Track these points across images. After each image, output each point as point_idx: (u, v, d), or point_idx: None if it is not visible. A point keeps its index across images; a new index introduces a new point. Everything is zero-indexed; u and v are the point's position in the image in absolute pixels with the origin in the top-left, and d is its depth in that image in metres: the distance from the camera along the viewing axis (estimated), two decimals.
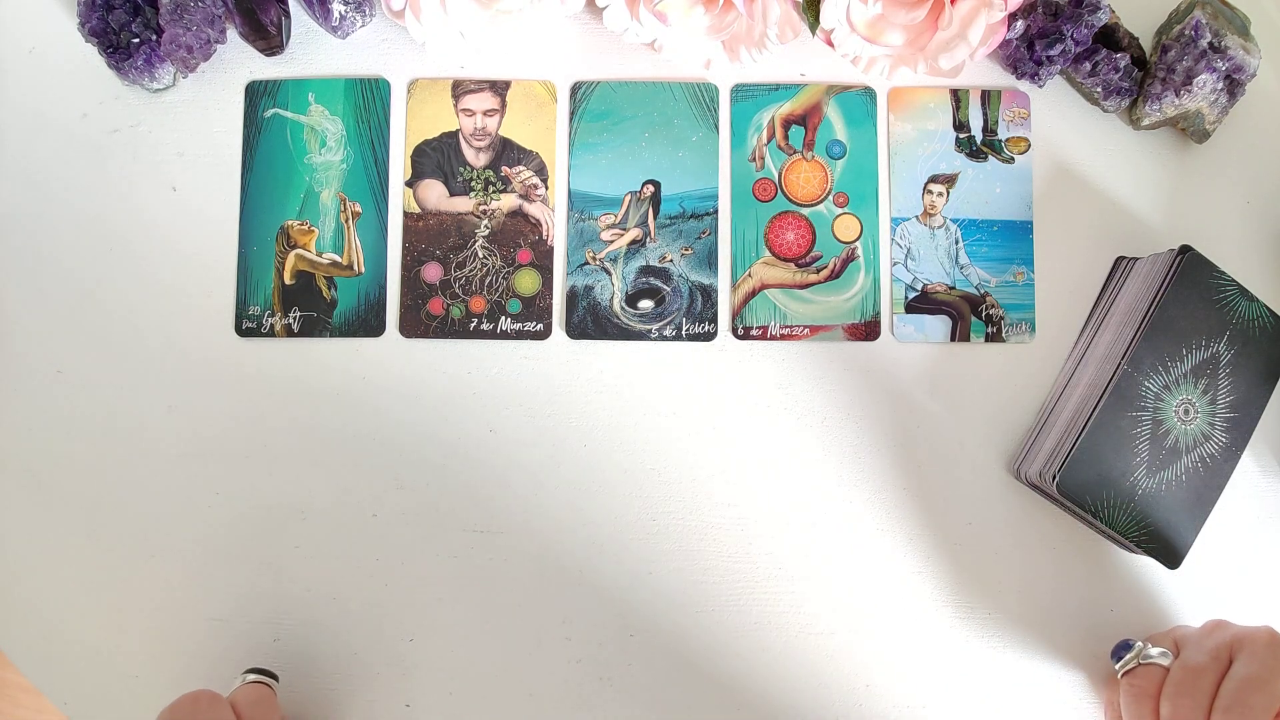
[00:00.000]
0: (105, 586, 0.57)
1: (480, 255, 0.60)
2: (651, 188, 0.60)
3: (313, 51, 0.61)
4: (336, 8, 0.59)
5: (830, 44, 0.58)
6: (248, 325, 0.59)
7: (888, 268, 0.60)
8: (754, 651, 0.58)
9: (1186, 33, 0.57)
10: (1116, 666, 0.53)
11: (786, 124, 0.61)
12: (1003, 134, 0.61)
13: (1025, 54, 0.59)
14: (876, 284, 0.60)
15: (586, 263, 0.60)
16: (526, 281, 0.60)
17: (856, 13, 0.56)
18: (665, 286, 0.60)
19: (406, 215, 0.60)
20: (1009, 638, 0.58)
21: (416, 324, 0.59)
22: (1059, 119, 0.62)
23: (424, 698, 0.57)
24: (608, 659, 0.58)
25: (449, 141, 0.61)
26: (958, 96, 0.61)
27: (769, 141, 0.61)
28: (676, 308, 0.60)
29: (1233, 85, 0.58)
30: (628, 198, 0.60)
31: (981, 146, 0.61)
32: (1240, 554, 0.59)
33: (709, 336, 0.59)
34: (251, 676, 0.53)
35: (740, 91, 0.61)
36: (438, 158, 0.61)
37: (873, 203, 0.61)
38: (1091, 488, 0.53)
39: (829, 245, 0.60)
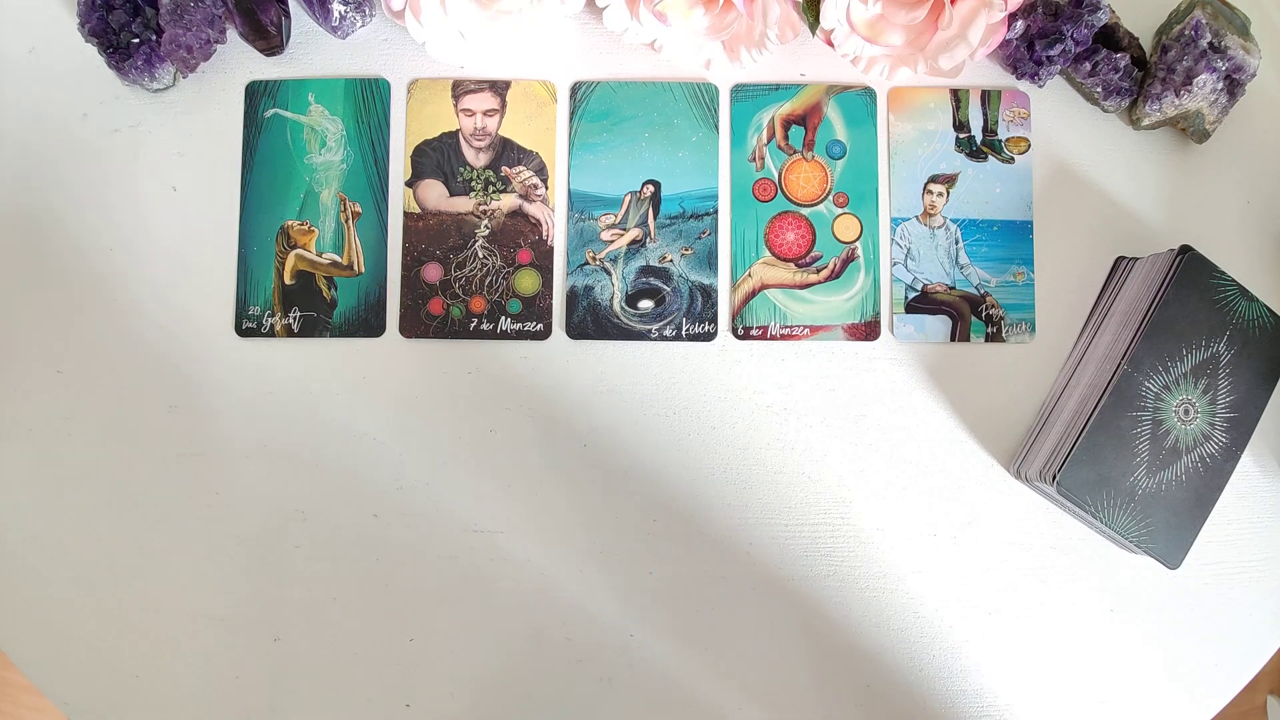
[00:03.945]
0: (105, 586, 0.57)
1: (480, 255, 0.60)
2: (651, 188, 0.60)
3: (313, 51, 0.61)
4: (336, 8, 0.59)
5: (830, 44, 0.58)
6: (248, 325, 0.59)
7: (888, 268, 0.60)
8: (754, 651, 0.58)
9: (1186, 33, 0.57)
10: None
11: (786, 124, 0.61)
12: (1003, 134, 0.61)
13: (1025, 54, 0.59)
14: (876, 284, 0.60)
15: (586, 263, 0.60)
16: (526, 281, 0.60)
17: (856, 13, 0.56)
18: (665, 286, 0.60)
19: (406, 215, 0.60)
20: (1009, 637, 0.58)
21: (416, 324, 0.59)
22: (1059, 119, 0.62)
23: (424, 698, 0.57)
24: (608, 659, 0.58)
25: (449, 141, 0.61)
26: (958, 96, 0.61)
27: (769, 141, 0.61)
28: (676, 308, 0.60)
29: (1233, 85, 0.58)
30: (628, 198, 0.60)
31: (981, 146, 0.61)
32: (1240, 554, 0.59)
33: (709, 336, 0.59)
34: None
35: (740, 91, 0.61)
36: (438, 158, 0.61)
37: (873, 203, 0.61)
38: (1091, 488, 0.53)
39: (829, 245, 0.60)
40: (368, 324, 0.59)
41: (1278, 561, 0.59)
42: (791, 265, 0.60)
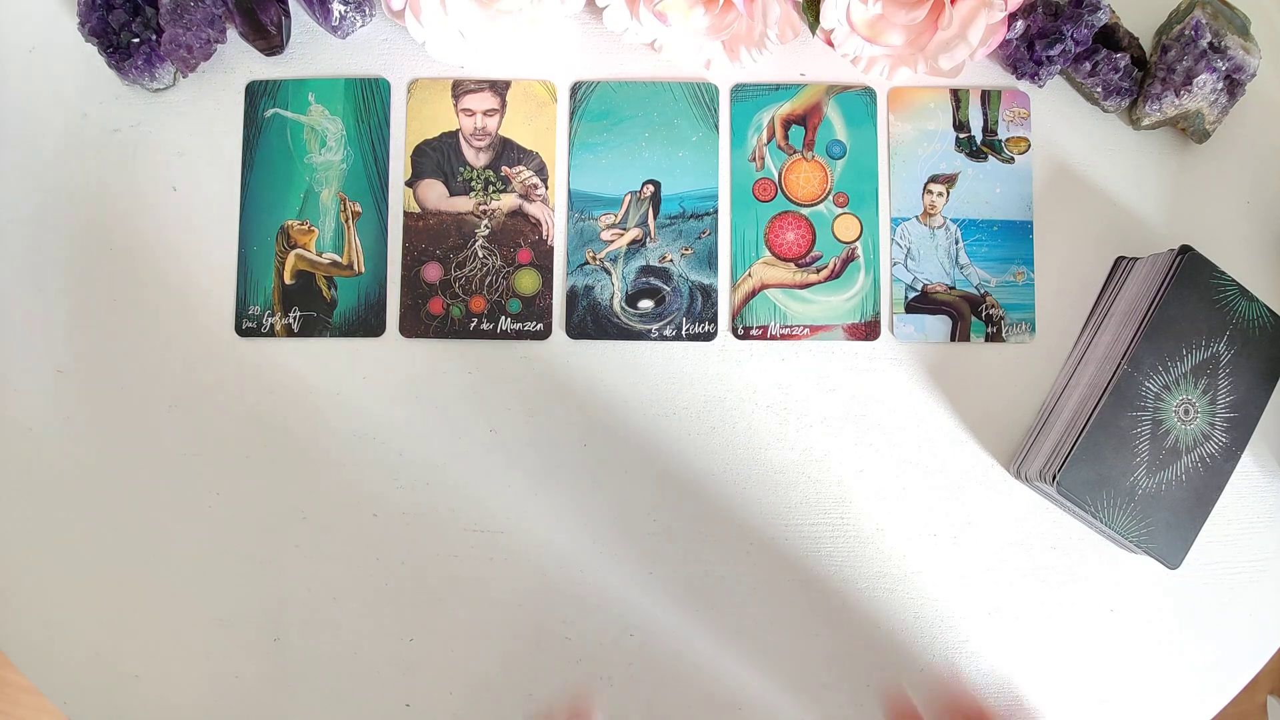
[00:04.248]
0: (105, 586, 0.57)
1: (480, 255, 0.60)
2: (651, 188, 0.60)
3: (313, 51, 0.61)
4: (336, 8, 0.59)
5: (830, 44, 0.58)
6: (248, 325, 0.59)
7: (888, 268, 0.60)
8: (754, 652, 0.58)
9: (1186, 33, 0.57)
10: None
11: (786, 124, 0.61)
12: (1003, 134, 0.61)
13: (1025, 54, 0.59)
14: (876, 284, 0.60)
15: (586, 263, 0.60)
16: (526, 281, 0.60)
17: (856, 13, 0.56)
18: (665, 286, 0.60)
19: (406, 215, 0.60)
20: (1009, 637, 0.58)
21: (416, 324, 0.59)
22: (1059, 119, 0.62)
23: (424, 698, 0.57)
24: (608, 658, 0.58)
25: (449, 141, 0.61)
26: (958, 96, 0.61)
27: (769, 141, 0.61)
28: (676, 308, 0.60)
29: (1233, 85, 0.58)
30: (628, 198, 0.60)
31: (981, 146, 0.61)
32: (1240, 554, 0.59)
33: (709, 336, 0.59)
34: None
35: (740, 91, 0.61)
36: (438, 158, 0.60)
37: (873, 203, 0.61)
38: (1091, 487, 0.53)
39: (829, 245, 0.60)
40: (368, 324, 0.59)
41: (1278, 561, 0.59)
42: (791, 265, 0.60)
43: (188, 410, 0.59)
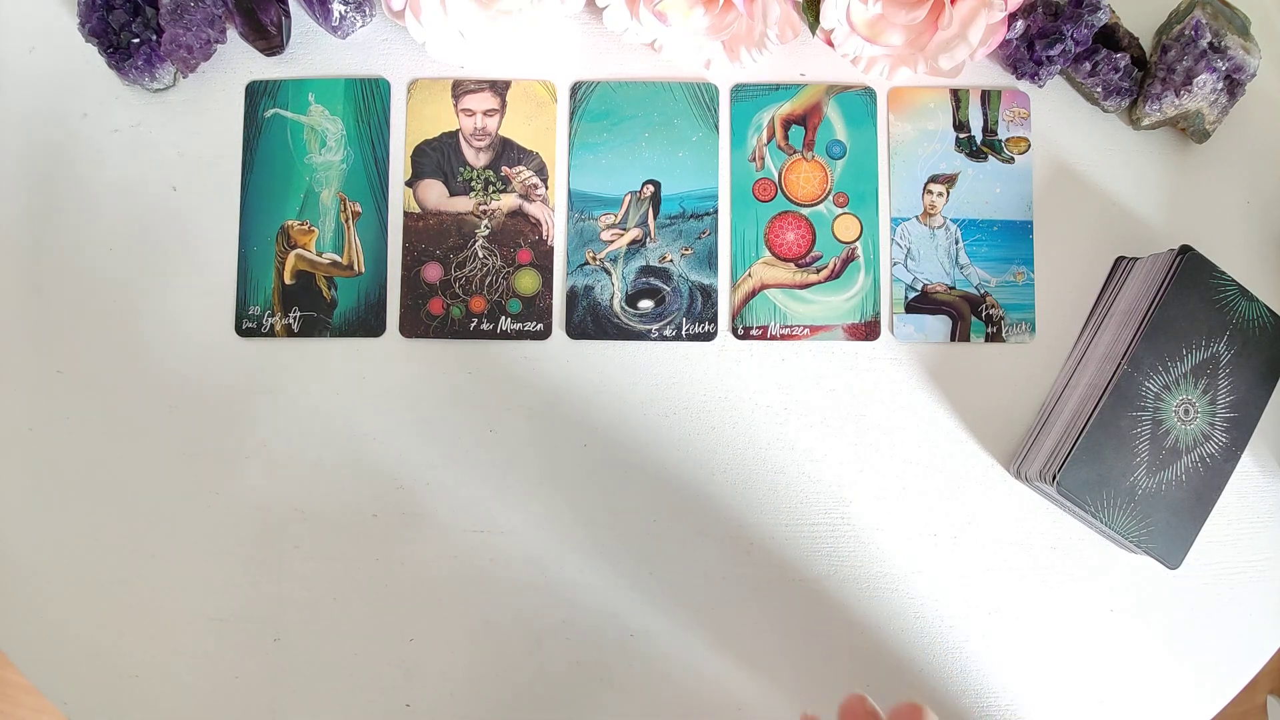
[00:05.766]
0: (105, 586, 0.57)
1: (480, 255, 0.60)
2: (651, 188, 0.60)
3: (313, 51, 0.61)
4: (336, 8, 0.59)
5: (830, 44, 0.58)
6: (248, 325, 0.59)
7: (888, 268, 0.60)
8: (754, 652, 0.58)
9: (1186, 33, 0.57)
10: None
11: (786, 124, 0.61)
12: (1003, 134, 0.61)
13: (1025, 54, 0.59)
14: (876, 284, 0.60)
15: (586, 263, 0.60)
16: (526, 281, 0.60)
17: (856, 13, 0.56)
18: (665, 286, 0.60)
19: (406, 215, 0.60)
20: (1009, 637, 0.58)
21: (416, 324, 0.59)
22: (1059, 119, 0.62)
23: (424, 698, 0.57)
24: (608, 659, 0.58)
25: (449, 141, 0.61)
26: (958, 96, 0.61)
27: (769, 141, 0.61)
28: (676, 308, 0.60)
29: (1233, 85, 0.58)
30: (628, 198, 0.60)
31: (981, 146, 0.61)
32: (1240, 554, 0.59)
33: (709, 336, 0.59)
34: None
35: (740, 91, 0.61)
36: (438, 158, 0.61)
37: (873, 203, 0.61)
38: (1091, 487, 0.53)
39: (829, 245, 0.60)
40: (368, 324, 0.59)
41: (1278, 561, 0.59)
42: (791, 265, 0.60)
43: (188, 410, 0.59)
